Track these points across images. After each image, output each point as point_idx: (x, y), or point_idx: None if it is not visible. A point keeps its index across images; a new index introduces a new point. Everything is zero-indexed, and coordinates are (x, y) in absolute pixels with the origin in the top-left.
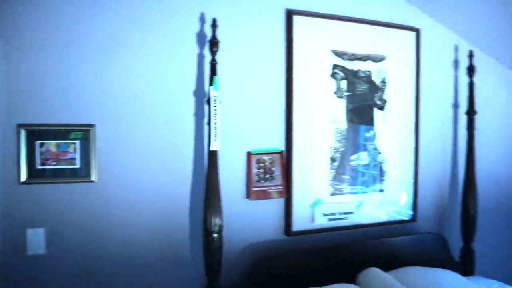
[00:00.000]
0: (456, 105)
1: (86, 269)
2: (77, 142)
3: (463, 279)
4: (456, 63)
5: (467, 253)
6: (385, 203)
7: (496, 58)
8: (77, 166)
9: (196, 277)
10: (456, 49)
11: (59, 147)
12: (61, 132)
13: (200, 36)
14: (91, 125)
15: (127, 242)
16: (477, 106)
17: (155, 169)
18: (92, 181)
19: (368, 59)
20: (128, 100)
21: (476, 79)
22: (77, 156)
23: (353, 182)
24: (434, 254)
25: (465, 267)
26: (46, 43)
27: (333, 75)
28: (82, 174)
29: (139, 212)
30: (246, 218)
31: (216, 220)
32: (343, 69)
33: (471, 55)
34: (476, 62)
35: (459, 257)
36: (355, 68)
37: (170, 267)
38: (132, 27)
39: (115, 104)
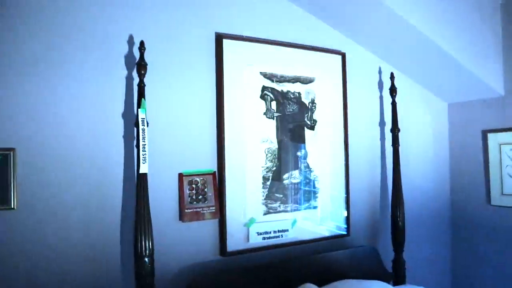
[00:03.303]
0: (382, 123)
1: None
2: None
3: None
4: (380, 84)
5: (398, 263)
6: (319, 220)
7: (414, 79)
8: None
9: None
10: (380, 71)
11: None
12: None
13: (129, 58)
14: (11, 149)
15: (55, 271)
16: (401, 124)
17: (82, 193)
18: (12, 208)
19: (297, 81)
20: (52, 123)
21: (398, 99)
22: None
23: (287, 200)
24: (368, 266)
25: (397, 277)
26: None
27: (263, 96)
28: None
29: (67, 239)
30: (180, 240)
31: (147, 244)
32: (272, 90)
33: (392, 77)
34: (397, 83)
35: (391, 268)
36: (285, 90)
37: None
38: (57, 48)
39: (38, 127)
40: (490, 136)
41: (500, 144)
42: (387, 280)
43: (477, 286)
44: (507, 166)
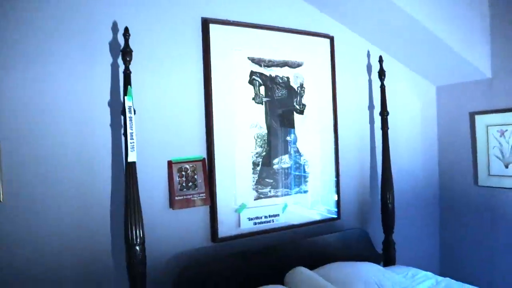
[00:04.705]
0: (371, 107)
1: None
2: None
3: (382, 268)
4: (369, 67)
5: (388, 244)
6: (310, 204)
7: (402, 62)
8: None
9: None
10: (368, 55)
11: None
12: None
13: (113, 45)
14: None
15: (45, 263)
16: (389, 107)
17: (71, 184)
18: None
19: (286, 66)
20: (37, 113)
21: (387, 82)
22: None
23: (277, 185)
24: (358, 248)
25: (387, 257)
26: None
27: (251, 81)
28: None
29: (56, 231)
30: (171, 227)
31: (138, 232)
32: (261, 75)
33: (380, 60)
34: (386, 66)
35: (381, 249)
36: (273, 74)
37: (93, 284)
38: (39, 38)
39: (22, 118)
40: (478, 118)
41: (487, 126)
42: (377, 261)
43: (464, 265)
44: (494, 147)
